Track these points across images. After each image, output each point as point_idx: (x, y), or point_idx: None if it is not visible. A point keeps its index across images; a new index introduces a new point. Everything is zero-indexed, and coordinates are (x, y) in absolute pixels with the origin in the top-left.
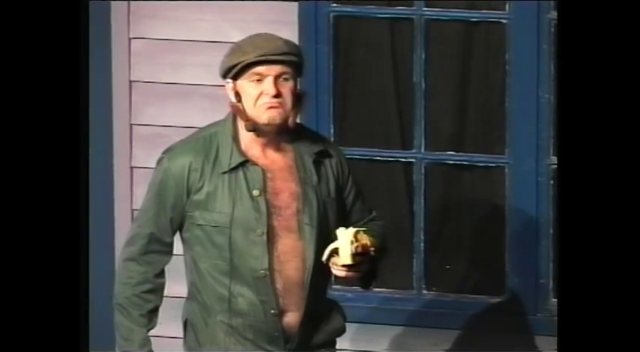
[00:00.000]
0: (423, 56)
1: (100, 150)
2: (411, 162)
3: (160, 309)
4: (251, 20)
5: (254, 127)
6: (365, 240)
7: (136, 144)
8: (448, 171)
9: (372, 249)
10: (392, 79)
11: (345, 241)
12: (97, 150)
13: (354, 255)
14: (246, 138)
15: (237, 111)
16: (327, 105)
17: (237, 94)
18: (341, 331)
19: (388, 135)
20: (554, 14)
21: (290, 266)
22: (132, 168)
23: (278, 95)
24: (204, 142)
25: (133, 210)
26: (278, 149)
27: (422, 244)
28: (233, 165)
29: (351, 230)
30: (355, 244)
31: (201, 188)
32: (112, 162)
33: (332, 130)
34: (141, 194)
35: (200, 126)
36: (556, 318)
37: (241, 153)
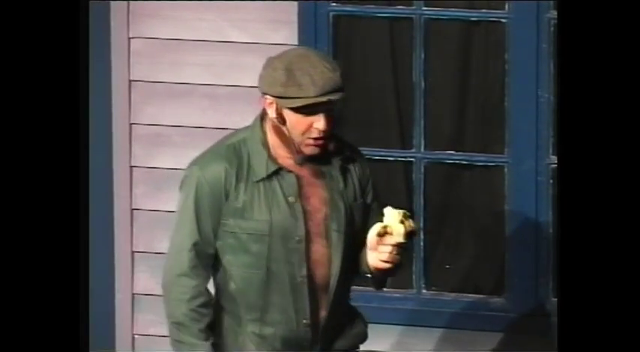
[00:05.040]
0: (423, 55)
1: (99, 150)
2: (411, 161)
3: (160, 309)
4: (251, 20)
5: (302, 160)
6: (411, 222)
7: (135, 143)
8: (448, 170)
9: (415, 233)
10: (391, 79)
11: (395, 220)
12: (96, 150)
13: (406, 234)
14: (275, 144)
15: (281, 137)
16: None
17: (281, 117)
18: (363, 336)
19: (387, 134)
20: (553, 13)
21: (318, 273)
22: (131, 167)
23: (327, 128)
24: (234, 150)
25: (132, 210)
26: (304, 156)
27: (422, 244)
28: (269, 174)
29: (399, 210)
30: (406, 223)
31: (237, 196)
32: (112, 162)
33: None
34: (140, 193)
35: (200, 125)
36: (556, 318)
37: (273, 160)
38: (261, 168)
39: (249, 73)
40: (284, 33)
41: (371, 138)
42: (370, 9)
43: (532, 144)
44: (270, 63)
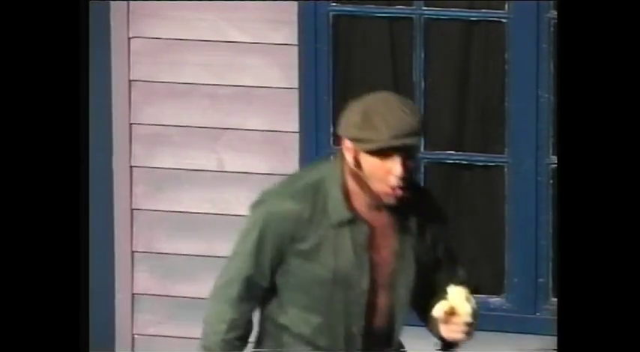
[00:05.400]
0: (423, 55)
1: (99, 149)
2: None
3: (160, 309)
4: (251, 20)
5: (378, 208)
6: (473, 300)
7: (135, 143)
8: (448, 170)
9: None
10: (391, 79)
11: (461, 299)
12: (96, 149)
13: (473, 314)
14: (353, 190)
15: (358, 183)
16: (327, 105)
17: (358, 162)
18: None
19: None
20: (553, 13)
21: (377, 323)
22: (131, 167)
23: (405, 175)
24: (312, 190)
25: (132, 210)
26: (382, 204)
27: None
28: (342, 221)
29: (463, 288)
30: (472, 301)
31: (305, 238)
32: (112, 161)
33: (332, 130)
34: (140, 193)
35: (200, 125)
36: (556, 318)
37: (350, 207)
38: (336, 214)
39: (249, 72)
40: (284, 33)
41: None
42: (370, 9)
43: (532, 144)
44: (350, 105)
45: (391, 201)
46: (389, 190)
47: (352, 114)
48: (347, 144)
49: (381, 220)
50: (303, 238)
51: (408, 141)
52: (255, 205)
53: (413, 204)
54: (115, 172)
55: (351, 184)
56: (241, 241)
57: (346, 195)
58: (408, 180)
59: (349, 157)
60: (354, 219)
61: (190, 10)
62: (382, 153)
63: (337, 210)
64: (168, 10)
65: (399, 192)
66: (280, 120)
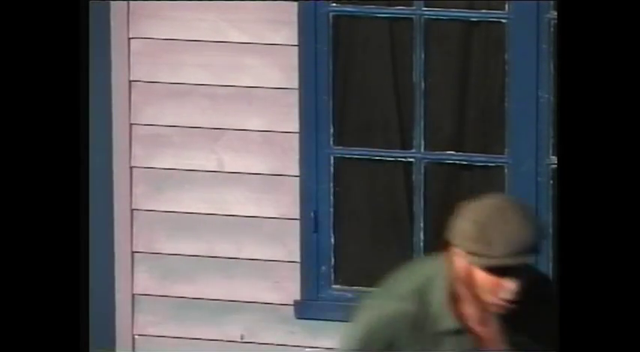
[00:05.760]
0: (423, 56)
1: (99, 150)
2: (411, 162)
3: (160, 309)
4: (251, 20)
5: (486, 315)
6: None
7: (135, 143)
8: (447, 171)
9: None
10: (391, 79)
11: None
12: (96, 150)
13: None
14: (462, 298)
15: (467, 291)
16: (327, 105)
17: (469, 272)
18: None
19: (388, 135)
20: (553, 14)
21: None
22: (131, 167)
23: (518, 290)
24: (417, 294)
25: (132, 210)
26: (491, 314)
27: (421, 244)
28: (448, 331)
29: None
30: None
31: (408, 344)
32: (112, 162)
33: (332, 130)
34: (140, 193)
35: (199, 125)
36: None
37: (457, 315)
38: (441, 323)
39: (248, 73)
40: (284, 33)
41: (371, 139)
42: (370, 9)
43: (532, 144)
44: (463, 212)
45: (500, 311)
46: (500, 303)
47: (466, 224)
48: (457, 250)
49: (490, 329)
50: (406, 344)
51: (525, 259)
52: (361, 309)
53: (527, 314)
54: (115, 172)
55: (460, 291)
56: (355, 326)
57: (453, 302)
58: (521, 294)
59: (460, 264)
60: (460, 330)
61: (190, 10)
62: (496, 267)
63: (443, 319)
64: (168, 11)
65: (511, 306)
66: (280, 121)
